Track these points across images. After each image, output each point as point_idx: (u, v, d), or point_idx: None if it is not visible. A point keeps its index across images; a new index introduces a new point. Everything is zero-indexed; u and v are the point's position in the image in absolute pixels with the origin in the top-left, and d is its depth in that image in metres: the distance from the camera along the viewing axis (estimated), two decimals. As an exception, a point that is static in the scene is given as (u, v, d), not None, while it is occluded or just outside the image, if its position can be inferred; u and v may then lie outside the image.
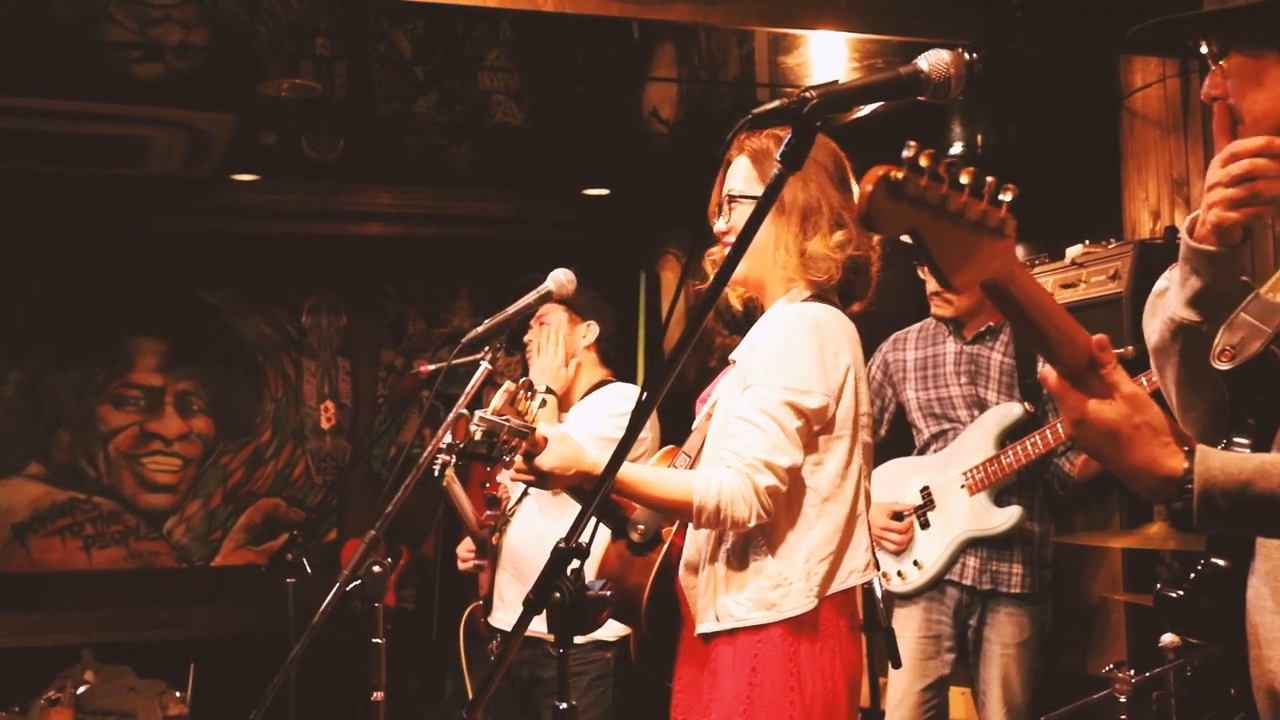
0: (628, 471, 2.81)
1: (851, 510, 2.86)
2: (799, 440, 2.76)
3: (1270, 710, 1.87)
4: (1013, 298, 1.63)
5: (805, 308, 2.87)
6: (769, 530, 2.79)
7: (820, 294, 2.92)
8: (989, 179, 1.56)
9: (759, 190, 2.92)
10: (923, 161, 1.50)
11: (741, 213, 2.95)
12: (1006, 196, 1.57)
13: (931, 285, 4.60)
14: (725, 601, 2.80)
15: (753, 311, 3.09)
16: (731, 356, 2.95)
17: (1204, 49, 2.04)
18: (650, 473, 2.87)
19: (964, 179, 1.54)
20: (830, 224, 2.89)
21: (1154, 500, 1.74)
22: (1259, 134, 1.94)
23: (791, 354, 2.79)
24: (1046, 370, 1.71)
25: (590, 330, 4.34)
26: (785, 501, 2.78)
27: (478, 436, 2.90)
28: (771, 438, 2.73)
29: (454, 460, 2.99)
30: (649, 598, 2.98)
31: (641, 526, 3.03)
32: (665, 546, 3.01)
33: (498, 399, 2.96)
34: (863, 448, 2.91)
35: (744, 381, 2.83)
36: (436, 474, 2.96)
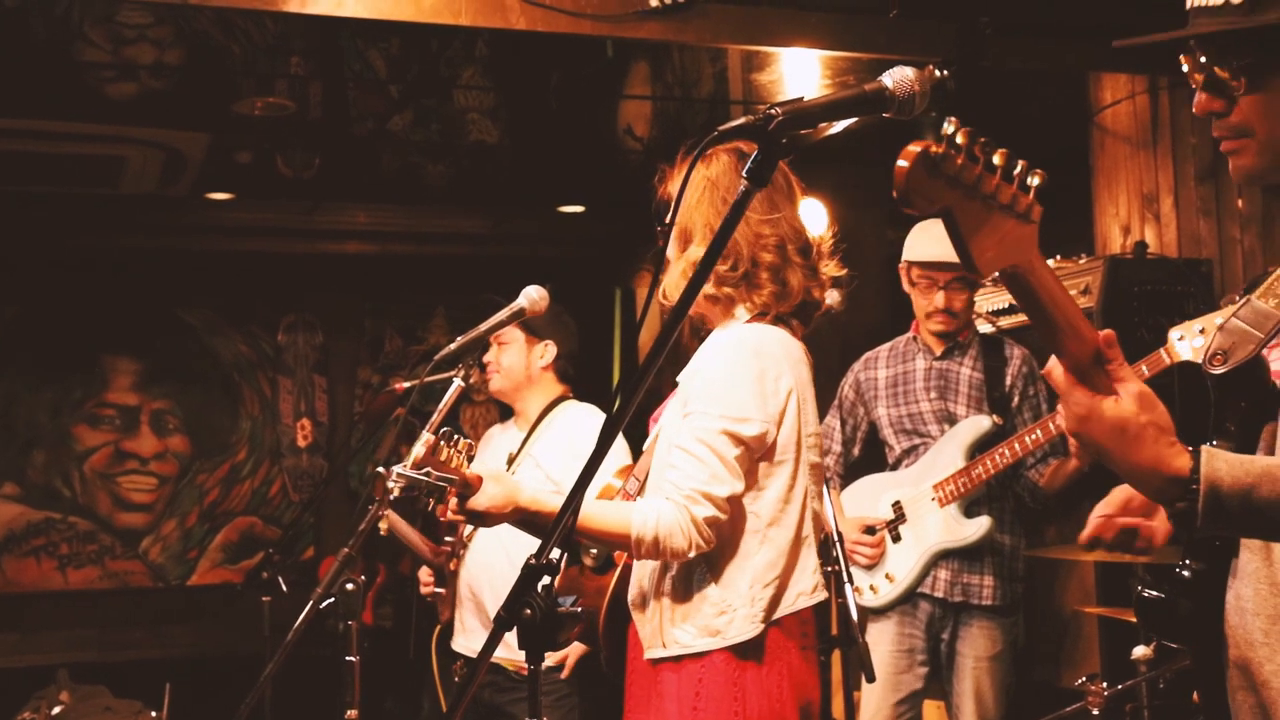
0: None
1: (796, 534, 2.82)
2: (738, 469, 2.72)
3: (1248, 713, 1.85)
4: (1030, 287, 1.60)
5: (745, 331, 2.83)
6: (712, 558, 2.76)
7: (763, 315, 2.87)
8: (1020, 162, 1.53)
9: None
10: (960, 139, 1.48)
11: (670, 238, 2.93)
12: (1035, 181, 1.54)
13: (931, 305, 4.52)
14: (672, 630, 2.78)
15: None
16: (679, 379, 2.90)
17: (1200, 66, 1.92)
18: (590, 506, 2.79)
19: (997, 160, 1.51)
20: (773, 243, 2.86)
21: (1157, 501, 1.71)
22: (1273, 151, 1.89)
23: (730, 381, 2.75)
24: (1052, 365, 1.68)
25: (547, 350, 4.39)
26: (727, 529, 2.75)
27: (396, 493, 2.87)
28: (709, 468, 2.69)
29: (392, 496, 2.96)
30: (605, 620, 2.98)
31: (595, 550, 3.02)
32: (619, 569, 3.00)
33: (417, 449, 2.91)
34: (809, 469, 2.86)
35: (684, 408, 2.79)
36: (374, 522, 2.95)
